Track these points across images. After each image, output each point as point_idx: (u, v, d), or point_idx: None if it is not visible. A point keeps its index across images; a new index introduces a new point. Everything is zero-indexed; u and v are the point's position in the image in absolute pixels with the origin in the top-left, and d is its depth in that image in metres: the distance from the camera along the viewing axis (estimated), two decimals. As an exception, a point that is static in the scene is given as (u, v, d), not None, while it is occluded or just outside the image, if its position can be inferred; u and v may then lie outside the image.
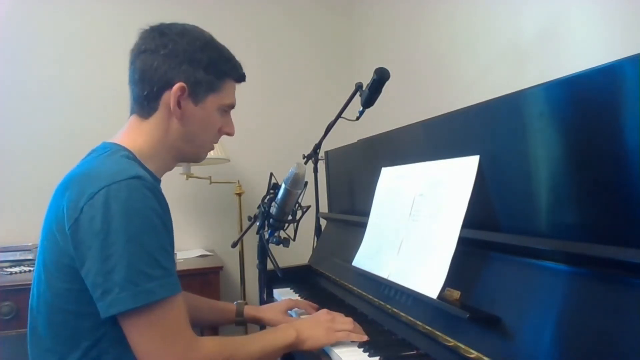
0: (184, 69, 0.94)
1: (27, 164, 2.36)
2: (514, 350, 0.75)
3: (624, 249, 0.63)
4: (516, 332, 0.76)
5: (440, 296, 0.91)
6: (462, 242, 0.90)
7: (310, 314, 1.27)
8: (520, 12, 1.55)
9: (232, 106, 1.04)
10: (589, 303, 0.68)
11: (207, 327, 1.65)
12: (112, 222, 0.79)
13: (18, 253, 2.23)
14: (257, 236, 1.34)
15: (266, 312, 1.28)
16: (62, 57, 2.43)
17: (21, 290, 1.78)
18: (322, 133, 1.80)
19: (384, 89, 1.55)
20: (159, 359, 0.82)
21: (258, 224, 1.33)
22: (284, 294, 1.54)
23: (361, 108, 1.62)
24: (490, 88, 1.61)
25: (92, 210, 0.80)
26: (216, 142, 1.07)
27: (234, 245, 1.57)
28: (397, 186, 1.22)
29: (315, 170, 1.85)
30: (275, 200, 1.29)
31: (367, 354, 0.97)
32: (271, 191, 1.32)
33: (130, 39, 0.99)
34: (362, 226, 1.35)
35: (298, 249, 1.63)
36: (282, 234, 1.35)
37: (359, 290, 1.28)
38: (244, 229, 1.55)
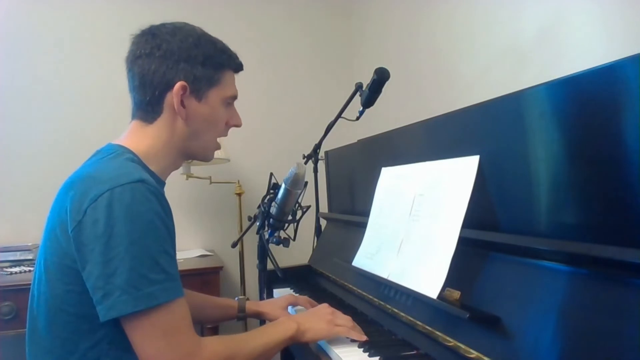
0: (181, 68, 0.94)
1: (27, 164, 2.37)
2: (514, 350, 0.75)
3: (624, 249, 0.63)
4: (516, 332, 0.76)
5: (440, 296, 0.91)
6: (462, 242, 0.90)
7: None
8: (520, 12, 1.55)
9: (234, 97, 1.04)
10: (589, 303, 0.68)
11: (208, 323, 1.66)
12: (115, 225, 0.79)
13: (18, 253, 2.23)
14: (257, 236, 1.34)
15: (267, 307, 1.28)
16: (63, 57, 2.43)
17: (21, 290, 1.78)
18: (322, 133, 1.80)
19: (384, 89, 1.55)
20: None
21: (258, 224, 1.33)
22: (284, 294, 1.54)
23: (361, 108, 1.62)
24: (490, 88, 1.61)
25: (96, 212, 0.80)
26: (225, 136, 1.07)
27: (234, 245, 1.57)
28: (397, 186, 1.22)
29: (315, 170, 1.85)
30: (275, 200, 1.29)
31: (367, 354, 0.97)
32: (271, 191, 1.32)
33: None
34: (362, 226, 1.35)
35: (298, 249, 1.63)
36: (282, 234, 1.35)
37: (359, 290, 1.28)
38: (244, 229, 1.55)
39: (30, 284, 0.94)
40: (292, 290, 1.60)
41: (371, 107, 1.61)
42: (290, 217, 1.33)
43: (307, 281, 1.70)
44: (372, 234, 1.30)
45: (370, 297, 1.21)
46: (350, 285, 1.35)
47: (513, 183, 0.87)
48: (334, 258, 1.49)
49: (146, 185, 0.83)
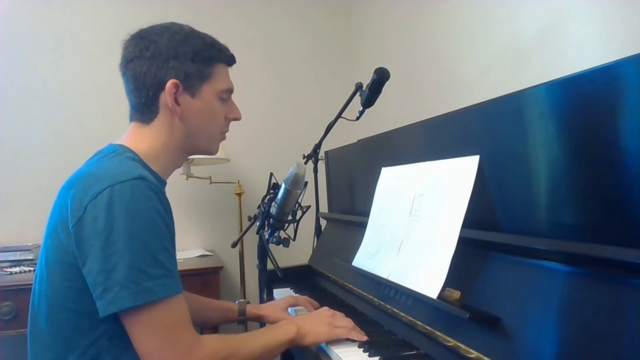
0: (171, 66, 0.95)
1: (27, 165, 2.36)
2: (514, 350, 0.75)
3: (624, 249, 0.63)
4: (516, 332, 0.76)
5: (440, 296, 0.91)
6: (462, 242, 0.90)
7: (309, 311, 1.28)
8: (520, 12, 1.55)
9: (230, 91, 1.03)
10: (589, 303, 0.68)
11: (208, 326, 1.66)
12: (115, 221, 0.80)
13: (18, 253, 2.23)
14: (257, 236, 1.34)
15: (267, 309, 1.28)
16: (63, 57, 2.44)
17: (21, 290, 1.79)
18: (322, 133, 1.80)
19: (384, 89, 1.55)
20: (161, 358, 0.82)
21: (258, 224, 1.33)
22: (284, 294, 1.54)
23: (361, 108, 1.62)
24: (490, 88, 1.61)
25: (96, 209, 0.81)
26: (226, 131, 1.07)
27: (234, 245, 1.57)
28: (397, 186, 1.22)
29: (315, 170, 1.85)
30: (275, 200, 1.29)
31: (367, 354, 0.97)
32: (271, 191, 1.32)
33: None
34: (362, 226, 1.35)
35: (298, 249, 1.63)
36: (282, 234, 1.35)
37: (359, 290, 1.28)
38: (244, 229, 1.55)
39: (30, 284, 0.95)
40: (292, 291, 1.60)
41: (371, 107, 1.61)
42: (290, 217, 1.33)
43: (307, 281, 1.70)
44: (372, 234, 1.30)
45: (370, 297, 1.21)
46: (350, 285, 1.35)
47: (513, 183, 0.87)
48: (334, 258, 1.49)
49: (146, 182, 0.84)
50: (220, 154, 2.29)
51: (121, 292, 0.79)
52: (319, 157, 1.86)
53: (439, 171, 1.04)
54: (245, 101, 2.73)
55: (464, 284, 0.90)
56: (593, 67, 0.71)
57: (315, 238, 1.91)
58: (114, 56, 1.01)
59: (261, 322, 1.30)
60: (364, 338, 1.02)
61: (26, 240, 2.24)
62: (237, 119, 1.07)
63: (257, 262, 1.39)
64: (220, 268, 2.19)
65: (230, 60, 1.04)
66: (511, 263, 0.84)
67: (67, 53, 2.44)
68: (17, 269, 2.09)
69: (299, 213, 1.35)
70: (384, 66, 1.52)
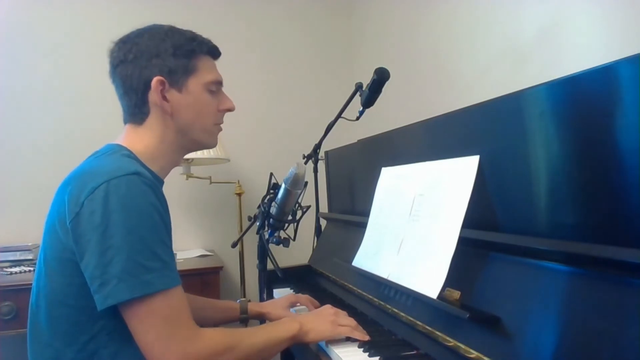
0: (154, 63, 0.96)
1: (27, 164, 2.37)
2: (514, 350, 0.75)
3: (624, 249, 0.63)
4: (516, 332, 0.76)
5: (440, 296, 0.91)
6: (462, 242, 0.90)
7: (310, 309, 1.28)
8: (520, 12, 1.55)
9: (217, 82, 1.03)
10: (589, 303, 0.68)
11: (209, 326, 1.66)
12: (112, 215, 0.81)
13: (18, 253, 2.23)
14: (257, 236, 1.34)
15: (269, 307, 1.29)
16: (62, 57, 2.44)
17: (21, 290, 1.79)
18: (322, 133, 1.80)
19: (384, 89, 1.55)
20: (162, 350, 0.82)
21: (258, 224, 1.33)
22: (284, 294, 1.54)
23: (361, 108, 1.62)
24: (490, 88, 1.61)
25: (93, 204, 0.82)
26: (221, 122, 1.07)
27: (234, 245, 1.57)
28: (397, 186, 1.22)
29: (315, 170, 1.85)
30: (275, 200, 1.29)
31: (367, 354, 0.97)
32: (271, 191, 1.32)
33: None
34: (362, 226, 1.35)
35: (298, 249, 1.63)
36: (282, 234, 1.35)
37: (359, 290, 1.28)
38: (244, 229, 1.55)
39: (30, 284, 0.95)
40: (292, 291, 1.60)
41: (371, 107, 1.61)
42: (290, 217, 1.33)
43: (307, 281, 1.70)
44: (372, 234, 1.30)
45: (370, 297, 1.21)
46: (350, 285, 1.35)
47: (513, 183, 0.87)
48: (334, 258, 1.49)
49: (141, 177, 0.85)
50: (220, 154, 2.29)
51: (119, 285, 0.79)
52: (319, 157, 1.86)
53: (439, 171, 1.04)
54: (246, 101, 2.73)
55: (464, 284, 0.90)
56: (593, 67, 0.71)
57: (315, 238, 1.91)
58: (114, 56, 1.01)
59: (263, 319, 1.30)
60: (367, 338, 1.02)
61: (26, 240, 2.24)
62: (230, 109, 1.07)
63: (257, 262, 1.39)
64: (220, 268, 2.19)
65: (212, 51, 1.04)
66: (511, 263, 0.84)
67: (67, 54, 2.44)
68: (17, 269, 2.09)
69: (299, 213, 1.35)
70: (384, 66, 1.52)
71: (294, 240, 1.35)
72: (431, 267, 0.95)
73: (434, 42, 2.05)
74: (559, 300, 0.72)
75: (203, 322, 1.28)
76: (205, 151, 2.16)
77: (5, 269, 2.10)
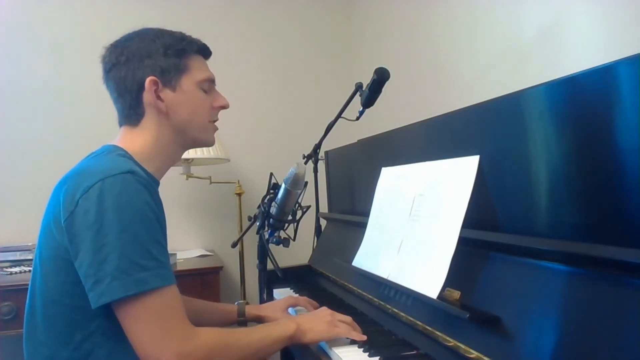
0: (146, 64, 0.97)
1: (27, 164, 2.36)
2: (514, 350, 0.75)
3: (624, 249, 0.63)
4: (516, 332, 0.76)
5: (440, 296, 0.91)
6: (462, 242, 0.90)
7: (309, 310, 1.28)
8: (520, 12, 1.55)
9: (210, 80, 1.04)
10: (589, 303, 0.68)
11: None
12: (106, 214, 0.81)
13: (18, 253, 2.23)
14: (257, 236, 1.34)
15: (267, 310, 1.28)
16: (61, 57, 2.43)
17: (21, 290, 1.78)
18: (322, 133, 1.80)
19: (384, 89, 1.55)
20: (156, 348, 0.82)
21: (258, 224, 1.33)
22: (284, 294, 1.54)
23: (361, 108, 1.62)
24: (490, 88, 1.61)
25: (87, 203, 0.82)
26: (216, 120, 1.08)
27: (234, 245, 1.57)
28: (397, 186, 1.22)
29: (315, 170, 1.85)
30: (275, 200, 1.29)
31: (367, 354, 0.97)
32: (271, 191, 1.32)
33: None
34: (362, 226, 1.35)
35: (298, 249, 1.63)
36: (282, 234, 1.35)
37: (359, 290, 1.28)
38: (244, 229, 1.55)
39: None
40: (292, 291, 1.60)
41: (371, 107, 1.61)
42: (290, 217, 1.33)
43: (307, 281, 1.70)
44: (372, 234, 1.30)
45: (370, 297, 1.21)
46: (350, 285, 1.35)
47: (513, 183, 0.87)
48: (334, 258, 1.49)
49: (136, 176, 0.86)
50: (220, 154, 2.29)
51: (113, 283, 0.79)
52: (319, 157, 1.86)
53: (439, 171, 1.04)
54: (246, 101, 2.73)
55: (464, 284, 0.90)
56: (593, 67, 0.71)
57: (315, 238, 1.91)
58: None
59: (260, 322, 1.30)
60: (363, 338, 1.02)
61: (26, 240, 2.24)
62: (225, 106, 1.08)
63: (257, 262, 1.39)
64: (220, 268, 2.19)
65: (202, 50, 1.05)
66: (511, 263, 0.84)
67: (67, 53, 2.44)
68: (17, 269, 2.09)
69: (299, 213, 1.35)
70: (384, 66, 1.52)
71: (294, 240, 1.35)
72: (431, 267, 0.95)
73: (434, 42, 2.05)
74: (559, 300, 0.72)
75: (200, 324, 1.27)
76: (205, 151, 2.16)
77: (5, 269, 2.10)
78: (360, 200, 1.61)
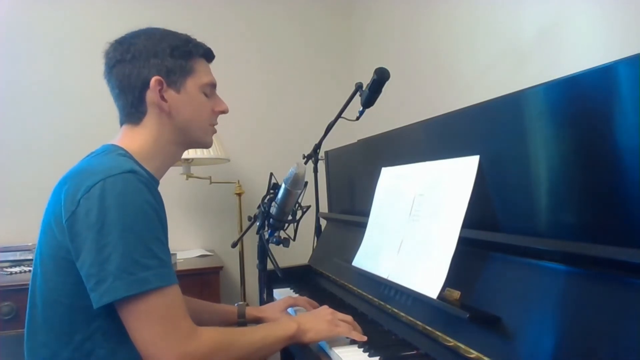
0: (152, 63, 0.97)
1: (27, 164, 2.36)
2: (514, 350, 0.75)
3: (624, 249, 0.63)
4: (516, 332, 0.76)
5: (440, 296, 0.91)
6: (462, 242, 0.90)
7: (309, 310, 1.28)
8: (520, 12, 1.55)
9: (212, 85, 1.05)
10: (589, 303, 0.68)
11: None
12: (108, 213, 0.81)
13: (18, 253, 2.23)
14: (257, 236, 1.34)
15: (267, 311, 1.29)
16: (61, 57, 2.43)
17: (21, 290, 1.78)
18: (322, 133, 1.80)
19: (384, 89, 1.55)
20: (158, 348, 0.82)
21: (258, 224, 1.33)
22: (284, 294, 1.54)
23: (361, 108, 1.62)
24: (490, 88, 1.61)
25: (89, 202, 0.82)
26: (215, 124, 1.09)
27: (234, 245, 1.57)
28: (397, 186, 1.22)
29: (315, 170, 1.85)
30: (275, 200, 1.29)
31: (367, 354, 0.97)
32: (271, 191, 1.32)
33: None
34: (362, 226, 1.35)
35: (298, 249, 1.63)
36: (282, 234, 1.35)
37: (359, 290, 1.28)
38: (244, 229, 1.55)
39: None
40: (292, 291, 1.60)
41: (371, 107, 1.61)
42: (290, 217, 1.33)
43: (307, 281, 1.70)
44: (372, 234, 1.30)
45: (370, 297, 1.21)
46: (350, 285, 1.35)
47: (513, 183, 0.87)
48: (334, 258, 1.49)
49: (137, 175, 0.86)
50: (220, 154, 2.29)
51: (115, 283, 0.79)
52: (319, 157, 1.86)
53: (439, 171, 1.04)
54: (245, 101, 2.73)
55: (464, 284, 0.90)
56: (593, 67, 0.71)
57: (315, 238, 1.91)
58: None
59: (260, 323, 1.30)
60: (364, 338, 1.02)
61: (26, 240, 2.24)
62: (225, 111, 1.09)
63: (257, 262, 1.39)
64: (220, 268, 2.19)
65: (207, 54, 1.06)
66: (511, 263, 0.84)
67: (67, 53, 2.44)
68: (17, 269, 2.09)
69: (299, 213, 1.35)
70: (384, 66, 1.52)
71: (294, 240, 1.35)
72: (431, 267, 0.95)
73: (434, 42, 2.05)
74: (559, 300, 0.72)
75: (200, 325, 1.28)
76: (205, 151, 2.16)
77: (5, 269, 2.10)
78: (360, 200, 1.61)
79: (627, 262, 0.63)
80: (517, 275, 0.82)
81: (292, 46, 2.82)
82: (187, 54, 1.00)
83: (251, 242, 2.15)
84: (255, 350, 0.94)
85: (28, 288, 0.94)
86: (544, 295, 0.75)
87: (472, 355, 0.80)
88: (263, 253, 1.36)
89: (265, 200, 1.33)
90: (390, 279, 1.09)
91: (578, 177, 0.75)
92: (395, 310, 1.07)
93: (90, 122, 2.38)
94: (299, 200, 1.31)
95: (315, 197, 1.88)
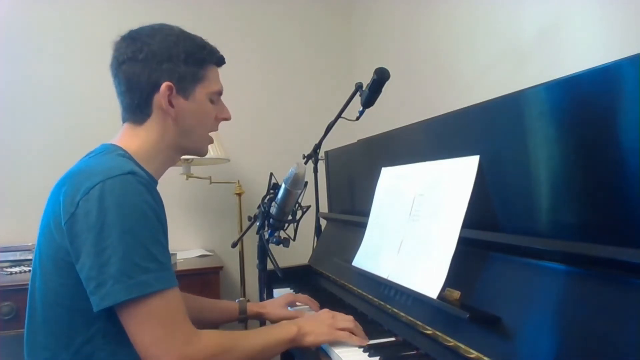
0: (165, 68, 0.95)
1: (27, 164, 2.36)
2: (514, 350, 0.75)
3: (624, 249, 0.63)
4: (516, 332, 0.76)
5: (440, 296, 0.91)
6: (462, 242, 0.90)
7: (309, 308, 1.29)
8: (520, 12, 1.55)
9: (220, 92, 1.05)
10: (589, 303, 0.68)
11: (208, 326, 1.65)
12: (107, 215, 0.80)
13: (18, 253, 2.23)
14: (257, 236, 1.34)
15: (268, 307, 1.29)
16: (62, 57, 2.44)
17: (21, 290, 1.78)
18: (322, 133, 1.80)
19: (384, 89, 1.55)
20: (158, 351, 0.82)
21: (258, 224, 1.33)
22: (283, 294, 1.54)
23: (361, 108, 1.62)
24: (490, 88, 1.61)
25: (88, 204, 0.81)
26: (216, 130, 1.08)
27: (234, 245, 1.57)
28: (397, 186, 1.22)
29: (315, 170, 1.85)
30: (275, 200, 1.29)
31: (367, 353, 0.97)
32: (271, 191, 1.32)
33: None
34: (362, 226, 1.35)
35: (298, 249, 1.63)
36: (282, 234, 1.35)
37: (359, 290, 1.28)
38: (244, 229, 1.55)
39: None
40: (292, 291, 1.60)
41: (371, 107, 1.61)
42: (290, 217, 1.33)
43: (307, 281, 1.70)
44: (372, 234, 1.30)
45: (370, 297, 1.21)
46: (350, 285, 1.35)
47: (513, 183, 0.87)
48: (334, 258, 1.49)
49: (137, 177, 0.85)
50: (220, 154, 2.29)
51: (115, 286, 0.79)
52: (319, 157, 1.86)
53: (439, 171, 1.04)
54: (245, 101, 2.73)
55: (464, 284, 0.90)
56: (593, 67, 0.71)
57: (315, 238, 1.91)
58: (113, 57, 1.01)
59: (262, 319, 1.30)
60: (365, 342, 1.02)
61: (26, 240, 2.24)
62: (228, 119, 1.08)
63: (257, 262, 1.39)
64: (220, 268, 2.19)
65: (220, 61, 1.05)
66: (511, 263, 0.84)
67: (67, 54, 2.44)
68: (17, 269, 2.09)
69: (299, 213, 1.35)
70: (384, 66, 1.52)
71: (294, 240, 1.35)
72: (431, 267, 0.95)
73: (434, 42, 2.05)
74: (559, 300, 0.72)
75: (202, 322, 1.28)
76: (205, 151, 2.16)
77: (5, 269, 2.10)
78: (360, 200, 1.61)
79: (627, 262, 0.63)
80: (517, 275, 0.82)
81: (292, 46, 2.82)
82: (201, 62, 0.99)
83: (251, 242, 2.15)
84: (255, 353, 0.94)
85: (28, 288, 0.94)
86: (544, 295, 0.75)
87: (472, 355, 0.80)
88: (263, 253, 1.36)
89: (265, 200, 1.33)
90: (390, 279, 1.09)
91: (578, 177, 0.75)
92: (396, 310, 1.07)
93: (90, 122, 2.38)
94: (299, 200, 1.31)
95: (315, 197, 1.88)
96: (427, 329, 0.94)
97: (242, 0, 2.73)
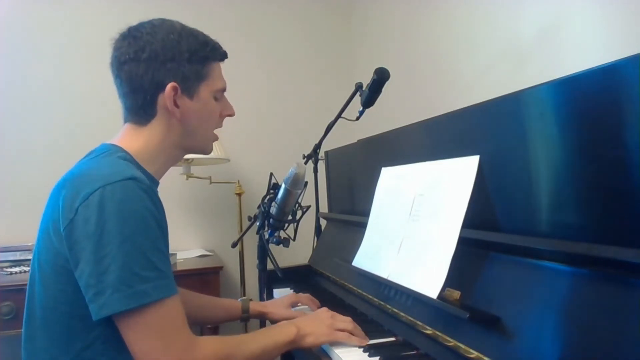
0: (169, 68, 0.93)
1: (27, 164, 2.36)
2: (514, 350, 0.75)
3: (624, 249, 0.63)
4: (516, 332, 0.76)
5: (440, 296, 0.91)
6: (462, 242, 0.90)
7: (312, 308, 1.29)
8: (520, 12, 1.55)
9: (224, 89, 1.03)
10: (589, 303, 0.68)
11: (210, 324, 1.65)
12: (107, 223, 0.78)
13: (18, 253, 2.23)
14: (257, 236, 1.34)
15: (271, 307, 1.28)
16: (61, 57, 2.44)
17: (21, 290, 1.77)
18: (322, 133, 1.80)
19: (384, 89, 1.55)
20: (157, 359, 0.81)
21: (258, 224, 1.33)
22: (284, 294, 1.54)
23: (361, 108, 1.62)
24: (490, 88, 1.61)
25: (87, 211, 0.79)
26: (220, 127, 1.07)
27: (234, 245, 1.57)
28: (397, 186, 1.22)
29: (315, 170, 1.85)
30: (275, 200, 1.29)
31: (367, 353, 0.97)
32: (271, 191, 1.32)
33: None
34: (362, 226, 1.35)
35: (298, 249, 1.63)
36: (282, 234, 1.35)
37: (359, 290, 1.28)
38: (244, 229, 1.55)
39: (29, 284, 0.94)
40: (292, 291, 1.60)
41: (371, 107, 1.61)
42: (290, 217, 1.33)
43: (307, 281, 1.70)
44: (372, 234, 1.30)
45: (370, 297, 1.21)
46: (350, 285, 1.35)
47: (513, 183, 0.87)
48: (334, 258, 1.49)
49: (138, 182, 0.83)
50: (220, 154, 2.29)
51: (113, 296, 0.78)
52: (319, 157, 1.86)
53: (439, 171, 1.04)
54: (245, 101, 2.73)
55: (464, 284, 0.90)
56: (593, 67, 0.71)
57: (315, 238, 1.91)
58: (113, 57, 1.00)
59: (264, 319, 1.30)
60: (365, 341, 1.02)
61: (26, 240, 2.24)
62: (232, 115, 1.07)
63: (257, 262, 1.39)
64: (220, 268, 2.19)
65: (223, 57, 1.03)
66: (511, 263, 0.84)
67: (67, 54, 2.44)
68: (17, 269, 2.09)
69: (299, 213, 1.35)
70: (384, 66, 1.52)
71: (294, 240, 1.35)
72: (431, 267, 0.95)
73: (434, 42, 2.05)
74: (559, 300, 0.72)
75: (204, 320, 1.28)
76: (205, 151, 2.16)
77: (5, 269, 2.10)
78: (360, 200, 1.61)
79: (628, 262, 0.63)
80: (517, 275, 0.82)
81: (292, 46, 2.82)
82: (204, 60, 0.97)
83: (251, 242, 2.15)
84: (255, 357, 0.93)
85: (26, 291, 0.93)
86: (544, 295, 0.75)
87: (472, 355, 0.80)
88: (263, 253, 1.36)
89: (265, 200, 1.33)
90: (390, 279, 1.09)
91: (578, 177, 0.75)
92: (396, 310, 1.07)
93: (90, 122, 2.38)
94: (299, 200, 1.31)
95: (315, 197, 1.88)
96: (427, 329, 0.94)
97: (243, 0, 2.73)
